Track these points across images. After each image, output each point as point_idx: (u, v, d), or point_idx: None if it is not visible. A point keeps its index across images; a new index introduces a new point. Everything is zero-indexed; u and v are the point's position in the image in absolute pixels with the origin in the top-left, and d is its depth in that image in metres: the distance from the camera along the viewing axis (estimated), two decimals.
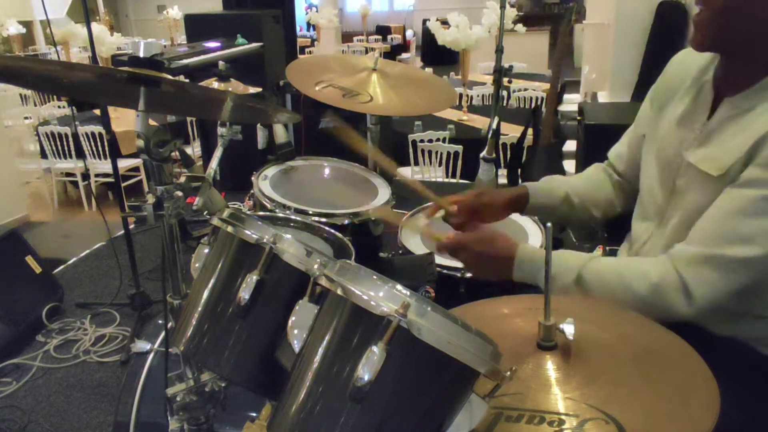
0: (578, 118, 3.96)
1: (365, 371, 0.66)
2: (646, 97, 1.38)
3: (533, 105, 5.81)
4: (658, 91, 1.33)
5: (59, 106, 6.04)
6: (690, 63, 1.23)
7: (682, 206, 1.16)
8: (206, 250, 0.99)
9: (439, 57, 10.79)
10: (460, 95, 5.00)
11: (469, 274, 1.55)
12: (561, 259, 1.17)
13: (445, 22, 5.06)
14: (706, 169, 1.09)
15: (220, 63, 1.94)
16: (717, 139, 1.11)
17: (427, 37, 11.88)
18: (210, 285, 0.94)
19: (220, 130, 1.72)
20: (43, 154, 4.93)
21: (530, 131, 3.53)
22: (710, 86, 1.17)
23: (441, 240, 1.32)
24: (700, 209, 1.10)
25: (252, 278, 0.87)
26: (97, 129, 4.50)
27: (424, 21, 12.26)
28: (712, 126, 1.14)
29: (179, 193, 1.15)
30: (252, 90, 2.07)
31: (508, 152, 3.78)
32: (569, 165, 3.90)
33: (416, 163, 4.13)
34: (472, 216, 1.43)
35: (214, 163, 1.69)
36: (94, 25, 3.56)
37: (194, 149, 5.32)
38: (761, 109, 1.05)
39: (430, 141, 4.08)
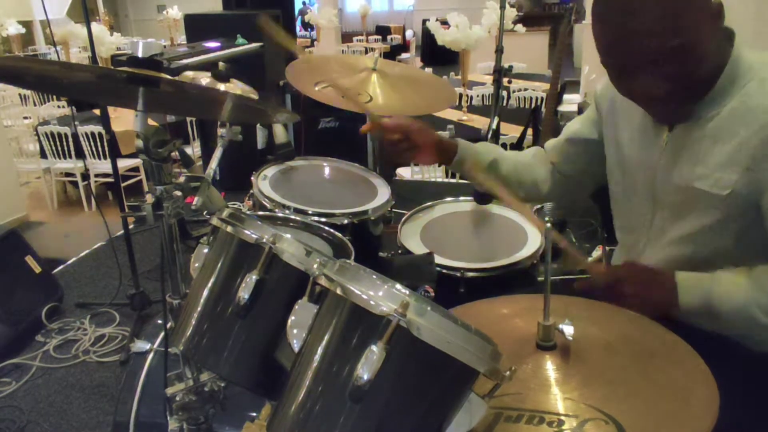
0: None
1: (365, 371, 0.66)
2: (591, 102, 1.37)
3: (533, 105, 5.81)
4: (604, 98, 1.31)
5: (59, 106, 6.04)
6: None
7: (682, 221, 1.15)
8: (206, 250, 0.99)
9: (439, 57, 10.79)
10: (460, 95, 5.00)
11: (469, 274, 1.55)
12: (728, 282, 1.09)
13: (445, 22, 5.06)
14: (707, 188, 1.08)
15: (220, 63, 1.94)
16: (692, 154, 1.10)
17: (427, 37, 11.88)
18: (209, 285, 0.94)
19: (220, 131, 1.72)
20: (43, 154, 4.92)
21: (530, 131, 3.54)
22: None
23: (595, 270, 1.18)
24: (713, 227, 1.10)
25: (251, 278, 0.87)
26: (97, 129, 4.50)
27: (424, 21, 12.25)
28: (677, 139, 1.13)
29: (178, 193, 1.15)
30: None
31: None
32: None
33: (416, 163, 4.13)
34: (402, 135, 1.40)
35: (213, 163, 1.68)
36: (93, 25, 3.56)
37: (194, 149, 5.32)
38: (728, 113, 1.05)
39: None
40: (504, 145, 3.93)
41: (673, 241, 1.18)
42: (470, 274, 1.55)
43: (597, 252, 2.91)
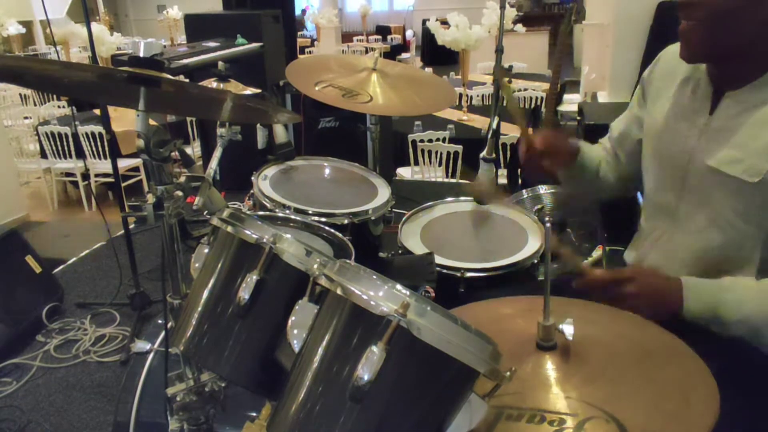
0: (578, 118, 3.96)
1: (365, 371, 0.67)
2: (638, 90, 1.37)
3: (533, 105, 5.81)
4: (650, 83, 1.32)
5: (59, 106, 6.04)
6: None
7: (708, 208, 1.15)
8: (206, 250, 0.99)
9: (439, 57, 10.80)
10: (460, 95, 5.00)
11: (469, 274, 1.55)
12: (736, 293, 1.08)
13: (445, 22, 5.06)
14: (737, 174, 1.07)
15: (220, 63, 1.94)
16: (732, 138, 1.09)
17: (427, 37, 11.88)
18: (210, 285, 0.94)
19: (220, 131, 1.72)
20: (43, 154, 4.93)
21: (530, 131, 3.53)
22: (706, 80, 1.16)
23: (594, 274, 1.12)
24: (739, 213, 1.09)
25: (252, 278, 0.87)
26: (97, 129, 4.50)
27: (424, 21, 12.26)
28: (718, 122, 1.12)
29: (179, 193, 1.15)
30: (250, 90, 2.06)
31: (508, 152, 3.78)
32: None
33: (416, 163, 4.14)
34: (544, 151, 1.38)
35: (213, 163, 1.69)
36: (93, 25, 3.56)
37: (194, 149, 5.32)
38: None
39: (430, 141, 4.08)
40: (504, 146, 3.93)
41: (699, 228, 1.17)
42: (470, 274, 1.55)
43: (597, 252, 2.91)
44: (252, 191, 1.73)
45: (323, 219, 1.57)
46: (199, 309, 0.94)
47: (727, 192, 1.10)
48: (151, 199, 1.13)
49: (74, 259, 3.81)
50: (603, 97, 5.82)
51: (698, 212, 1.17)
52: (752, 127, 1.07)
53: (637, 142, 1.38)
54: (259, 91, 2.08)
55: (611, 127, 1.50)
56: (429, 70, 6.70)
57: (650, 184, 1.31)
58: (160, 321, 2.79)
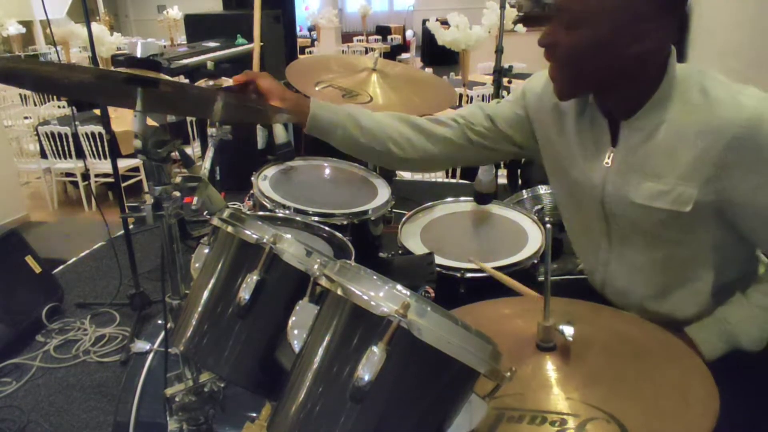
0: None
1: (365, 371, 0.66)
2: (519, 97, 1.29)
3: None
4: (537, 109, 1.25)
5: (59, 106, 6.04)
6: None
7: (642, 233, 1.12)
8: (206, 250, 0.99)
9: (439, 57, 10.80)
10: (460, 95, 5.00)
11: (469, 275, 1.55)
12: (738, 320, 1.08)
13: (445, 22, 5.06)
14: (668, 206, 1.04)
15: (208, 63, 1.94)
16: (647, 169, 1.06)
17: (427, 37, 11.88)
18: (210, 285, 0.94)
19: (210, 131, 1.72)
20: (43, 154, 4.92)
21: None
22: (597, 110, 1.12)
23: None
24: (679, 233, 1.07)
25: (252, 278, 0.87)
26: (97, 129, 4.50)
27: (424, 21, 12.26)
28: (624, 153, 1.08)
29: (178, 194, 1.15)
30: None
31: None
32: None
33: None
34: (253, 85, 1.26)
35: (206, 162, 1.69)
36: (94, 25, 3.55)
37: (194, 149, 5.32)
38: (677, 126, 1.01)
39: None
40: None
41: (641, 250, 1.14)
42: (470, 274, 1.55)
43: None
44: (252, 191, 1.73)
45: (323, 219, 1.57)
46: (199, 309, 0.94)
47: (660, 221, 1.07)
48: (149, 199, 1.13)
49: (74, 259, 3.81)
50: None
51: (634, 237, 1.14)
52: (663, 154, 1.03)
53: (492, 126, 1.30)
54: None
55: (480, 106, 1.36)
56: (429, 70, 6.70)
57: (574, 224, 1.28)
58: (159, 321, 2.79)
